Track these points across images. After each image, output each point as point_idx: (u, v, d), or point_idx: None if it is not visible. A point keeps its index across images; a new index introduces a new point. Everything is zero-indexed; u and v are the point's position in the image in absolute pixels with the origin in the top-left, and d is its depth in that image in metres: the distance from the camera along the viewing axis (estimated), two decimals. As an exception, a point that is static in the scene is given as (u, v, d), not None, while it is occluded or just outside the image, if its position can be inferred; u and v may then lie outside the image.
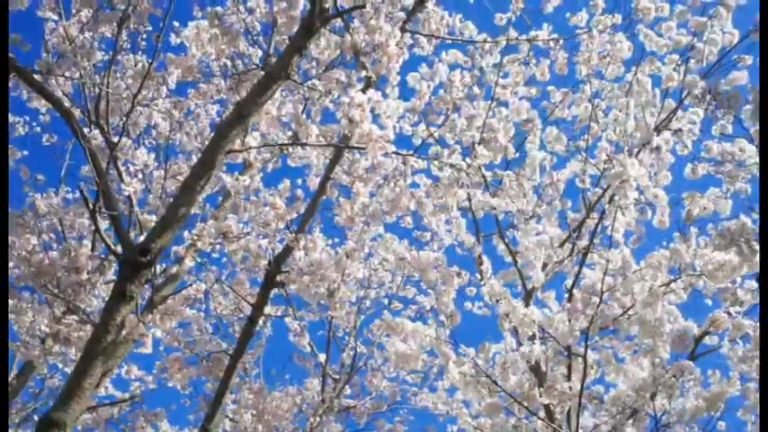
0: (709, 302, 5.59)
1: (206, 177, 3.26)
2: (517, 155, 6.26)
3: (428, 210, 4.43)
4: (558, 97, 6.26)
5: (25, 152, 7.19)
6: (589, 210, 6.03)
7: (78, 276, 3.56)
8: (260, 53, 5.16)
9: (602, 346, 5.47)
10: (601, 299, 4.17)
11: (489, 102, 5.45)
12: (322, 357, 7.41)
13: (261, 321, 8.40)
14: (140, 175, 5.29)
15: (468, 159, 3.98)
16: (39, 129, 7.28)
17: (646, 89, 5.56)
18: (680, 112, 5.62)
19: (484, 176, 5.36)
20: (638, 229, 6.06)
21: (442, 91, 4.76)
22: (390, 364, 7.27)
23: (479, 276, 4.36)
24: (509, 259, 6.24)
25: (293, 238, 4.08)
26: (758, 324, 3.73)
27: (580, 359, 4.33)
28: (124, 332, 3.44)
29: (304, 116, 3.80)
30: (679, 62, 5.33)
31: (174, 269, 4.85)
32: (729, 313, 4.11)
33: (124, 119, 4.05)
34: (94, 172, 3.38)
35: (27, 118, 7.36)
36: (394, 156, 3.78)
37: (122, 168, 5.09)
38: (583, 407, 4.66)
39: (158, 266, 5.10)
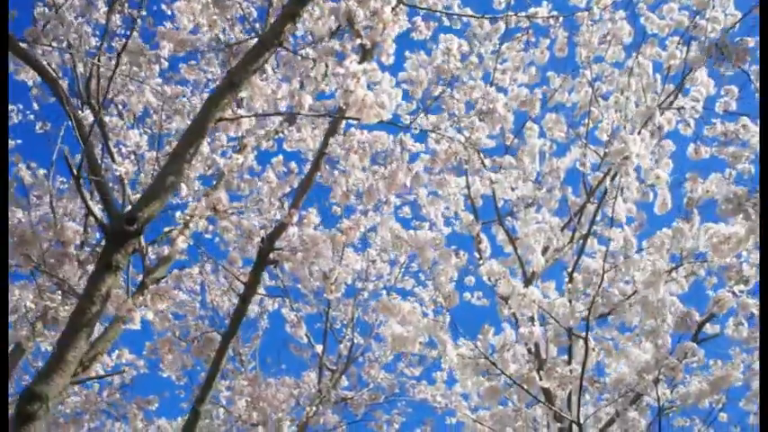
0: (711, 294, 5.49)
1: (196, 145, 3.15)
2: (516, 141, 6.18)
3: (424, 184, 4.32)
4: (557, 83, 6.18)
5: (19, 141, 7.14)
6: (590, 195, 5.95)
7: (64, 249, 3.45)
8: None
9: (603, 338, 5.37)
10: (603, 278, 4.07)
11: (487, 85, 5.36)
12: (319, 348, 7.34)
13: (257, 313, 8.35)
14: (132, 157, 5.20)
15: (465, 132, 3.89)
16: (32, 117, 7.21)
17: (647, 72, 5.48)
18: (680, 97, 5.54)
19: (483, 162, 5.26)
20: (640, 216, 5.98)
21: (439, 61, 4.66)
22: (387, 348, 7.17)
23: (478, 256, 4.25)
24: (509, 249, 6.14)
25: (287, 213, 3.98)
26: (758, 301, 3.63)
27: (581, 342, 4.22)
28: (111, 307, 3.34)
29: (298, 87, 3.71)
30: (681, 42, 5.24)
31: (167, 251, 4.76)
32: (734, 293, 4.01)
33: (107, 84, 3.94)
34: (78, 135, 3.28)
35: (21, 106, 7.29)
36: (389, 128, 3.68)
37: (114, 150, 5.01)
38: (584, 390, 4.55)
39: (150, 249, 5.01)
